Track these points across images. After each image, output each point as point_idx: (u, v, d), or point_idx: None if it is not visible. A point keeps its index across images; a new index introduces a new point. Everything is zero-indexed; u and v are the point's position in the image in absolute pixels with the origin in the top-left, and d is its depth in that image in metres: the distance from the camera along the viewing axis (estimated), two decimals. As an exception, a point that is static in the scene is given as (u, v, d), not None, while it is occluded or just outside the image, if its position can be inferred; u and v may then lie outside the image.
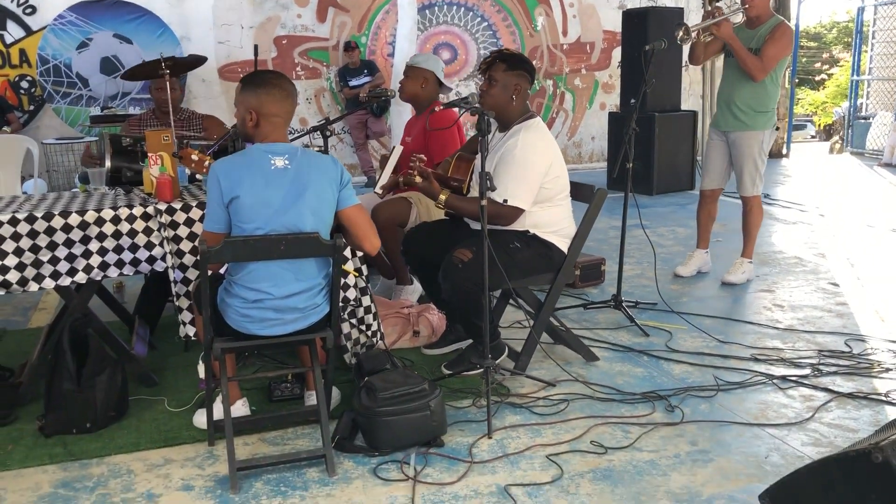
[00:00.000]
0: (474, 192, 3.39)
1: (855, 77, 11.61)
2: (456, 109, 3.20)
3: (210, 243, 2.50)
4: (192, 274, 3.17)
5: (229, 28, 8.84)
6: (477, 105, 2.84)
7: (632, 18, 8.28)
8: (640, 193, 7.25)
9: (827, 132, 14.08)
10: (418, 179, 3.15)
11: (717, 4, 4.99)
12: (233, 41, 8.89)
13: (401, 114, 8.75)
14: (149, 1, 8.35)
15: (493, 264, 2.89)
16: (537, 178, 3.13)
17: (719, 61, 6.09)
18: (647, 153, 7.83)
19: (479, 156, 2.99)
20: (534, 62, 9.91)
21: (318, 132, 4.02)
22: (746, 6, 4.40)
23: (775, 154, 10.93)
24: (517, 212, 3.11)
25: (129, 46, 8.37)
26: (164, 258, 3.13)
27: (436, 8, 9.65)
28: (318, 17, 9.13)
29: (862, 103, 11.58)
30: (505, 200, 3.06)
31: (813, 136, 14.67)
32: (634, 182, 4.46)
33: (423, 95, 4.24)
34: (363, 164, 9.20)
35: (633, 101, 7.85)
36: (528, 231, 3.22)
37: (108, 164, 3.69)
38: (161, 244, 3.12)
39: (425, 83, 4.20)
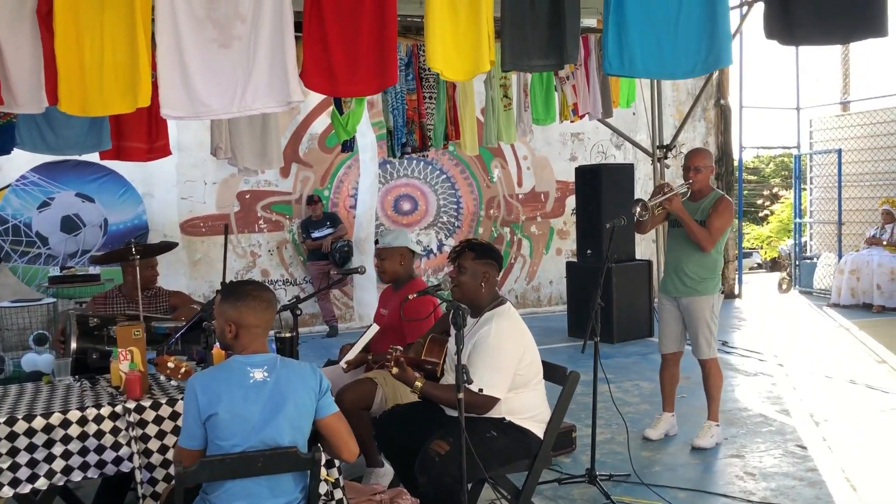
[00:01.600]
0: (449, 377, 3.40)
1: (798, 220, 11.99)
2: (441, 305, 3.36)
3: (185, 462, 2.43)
4: (159, 473, 3.04)
5: (192, 184, 8.94)
6: (449, 298, 2.92)
7: (584, 174, 8.56)
8: (601, 342, 7.24)
9: (773, 264, 14.43)
10: (395, 370, 3.14)
11: (666, 182, 5.01)
12: (196, 197, 8.96)
13: (364, 262, 8.94)
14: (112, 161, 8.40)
15: (471, 455, 2.85)
16: (512, 365, 3.15)
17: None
18: (607, 302, 7.58)
19: (451, 339, 3.06)
20: (490, 211, 10.33)
21: (289, 310, 3.99)
22: (690, 181, 4.56)
23: (728, 295, 11.06)
24: (493, 401, 3.12)
25: (91, 205, 8.35)
26: (130, 458, 3.01)
27: (396, 162, 9.79)
28: (281, 174, 9.27)
29: (806, 243, 11.92)
30: (480, 390, 3.06)
31: (759, 266, 15.01)
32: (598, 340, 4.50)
33: (402, 272, 4.25)
34: (325, 314, 9.12)
35: (589, 251, 8.26)
36: (504, 418, 3.20)
37: (73, 345, 3.62)
38: (128, 444, 3.01)
39: (403, 259, 4.22)
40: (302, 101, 3.47)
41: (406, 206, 9.95)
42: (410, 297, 3.58)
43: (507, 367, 3.15)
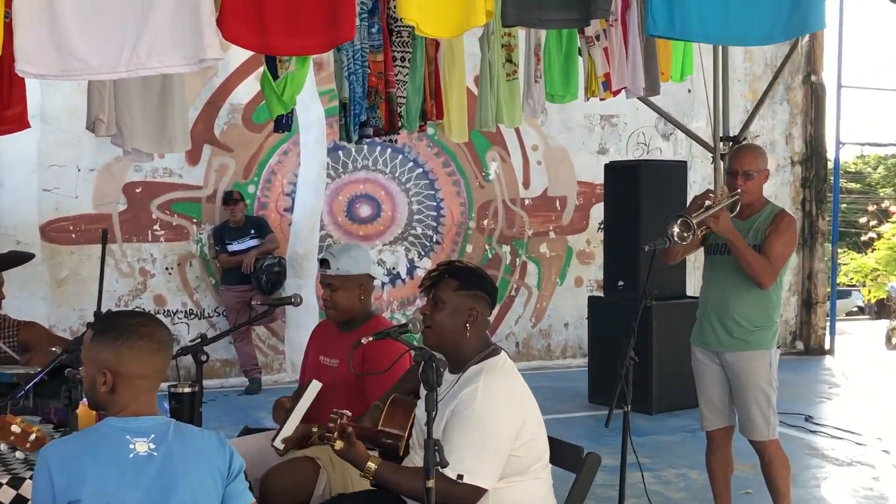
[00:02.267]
0: (415, 456, 3.34)
1: (918, 245, 12.27)
2: (413, 354, 3.10)
3: (31, 570, 2.39)
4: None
5: (60, 170, 8.77)
6: (419, 344, 2.84)
7: (617, 174, 8.54)
8: (636, 412, 6.74)
9: (879, 308, 14.25)
10: (338, 445, 3.11)
11: (710, 189, 5.05)
12: (64, 189, 8.78)
13: (301, 288, 8.71)
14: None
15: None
16: (504, 444, 3.10)
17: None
18: (644, 357, 7.26)
19: (422, 401, 2.98)
20: (484, 222, 10.28)
21: (191, 354, 3.88)
22: (739, 192, 4.59)
23: (815, 350, 11.10)
24: (478, 492, 3.03)
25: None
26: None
27: (352, 149, 9.65)
28: (187, 159, 9.09)
29: (928, 278, 12.22)
30: (460, 476, 2.97)
31: (859, 309, 14.96)
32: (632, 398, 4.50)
33: (360, 309, 4.24)
34: (244, 360, 9.03)
35: (621, 283, 8.19)
36: (493, 518, 3.23)
37: None
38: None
39: (363, 292, 4.22)
40: (220, 60, 3.45)
41: (365, 210, 9.87)
42: (363, 340, 3.41)
43: (499, 445, 3.09)
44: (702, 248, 4.82)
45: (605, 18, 4.69)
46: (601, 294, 9.08)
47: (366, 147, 9.77)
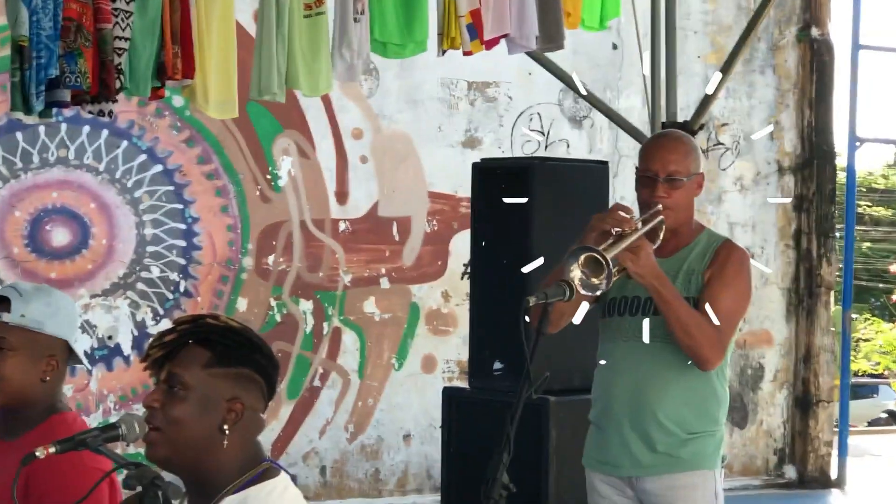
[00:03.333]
0: None
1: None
2: (124, 477, 2.49)
3: None
4: None
5: None
6: (137, 462, 2.29)
7: (494, 180, 6.71)
8: None
9: None
10: None
11: (619, 205, 4.31)
12: None
13: None
14: None
15: None
16: None
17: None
18: (533, 485, 5.94)
19: None
20: (270, 259, 8.45)
21: None
22: (660, 209, 4.06)
23: (815, 479, 9.38)
24: None
25: None
26: None
27: (42, 128, 7.73)
28: None
29: None
30: None
31: (891, 415, 13.50)
32: None
33: (41, 397, 3.38)
34: None
35: (497, 365, 6.73)
36: None
37: None
38: None
39: (52, 370, 3.41)
40: None
41: (61, 236, 8.04)
42: (39, 453, 2.52)
43: None
44: (589, 307, 4.07)
45: None
46: (465, 385, 7.22)
47: (64, 126, 7.90)
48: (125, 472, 2.21)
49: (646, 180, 4.09)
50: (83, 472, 3.03)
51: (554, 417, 6.04)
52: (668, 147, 4.29)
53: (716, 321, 3.98)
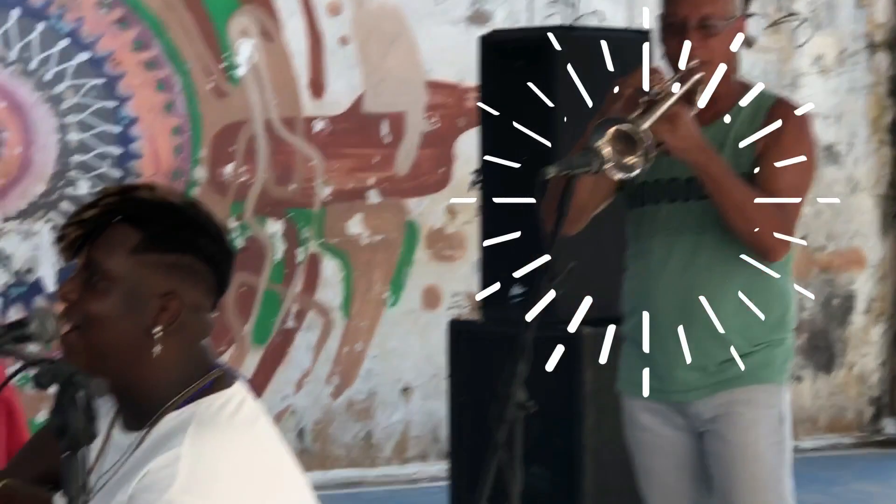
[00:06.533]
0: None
1: None
2: (37, 373, 2.19)
3: None
4: None
5: None
6: (47, 361, 1.97)
7: (506, 57, 6.21)
8: None
9: None
10: None
11: (654, 69, 3.72)
12: None
13: None
14: None
15: None
16: None
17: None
18: (568, 450, 5.72)
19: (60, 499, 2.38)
20: (227, 169, 7.26)
21: None
22: (695, 63, 3.72)
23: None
24: None
25: None
26: None
27: None
28: None
29: None
30: None
31: None
32: None
33: None
34: None
35: (514, 291, 6.16)
36: None
37: None
38: None
39: None
40: None
41: None
42: None
43: None
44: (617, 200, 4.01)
45: None
46: (474, 320, 6.82)
47: None
48: (35, 370, 1.85)
49: (673, 28, 3.64)
50: None
51: (588, 353, 5.36)
52: None
53: (777, 206, 3.66)
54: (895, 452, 8.16)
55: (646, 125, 3.39)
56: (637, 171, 3.41)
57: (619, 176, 3.41)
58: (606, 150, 3.33)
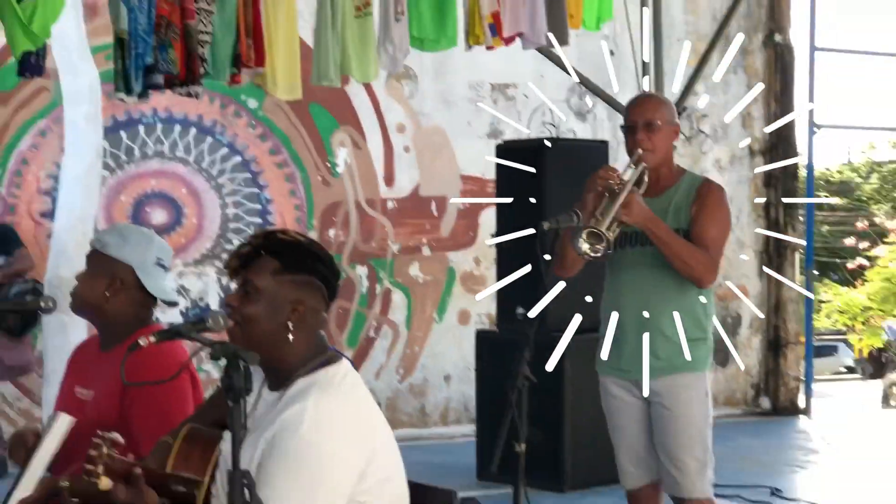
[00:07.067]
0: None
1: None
2: (185, 345, 3.18)
3: None
4: None
5: None
6: (222, 339, 2.49)
7: (513, 157, 7.17)
8: (544, 490, 6.78)
9: (875, 363, 12.80)
10: (104, 484, 2.71)
11: (607, 167, 4.83)
12: None
13: (65, 329, 7.37)
14: None
15: None
16: (343, 487, 2.64)
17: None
18: (553, 413, 6.74)
19: (227, 435, 2.50)
20: (331, 232, 8.76)
21: None
22: (641, 154, 4.43)
23: (786, 409, 9.86)
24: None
25: None
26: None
27: (141, 127, 8.10)
28: None
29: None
30: None
31: (849, 370, 13.16)
32: (536, 471, 4.81)
33: (110, 312, 3.70)
34: (-17, 432, 7.01)
35: (520, 311, 5.94)
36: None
37: None
38: None
39: (113, 289, 3.70)
40: None
41: (159, 216, 8.40)
42: (142, 341, 2.74)
43: (334, 489, 2.62)
44: None
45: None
46: (493, 328, 8.07)
47: (159, 126, 8.41)
48: (213, 352, 2.42)
49: (629, 130, 4.40)
50: (175, 354, 3.43)
51: (572, 354, 6.68)
52: (644, 100, 4.66)
53: (706, 252, 4.32)
54: (768, 420, 10.07)
55: (609, 217, 4.16)
56: (605, 253, 4.18)
57: (594, 257, 4.17)
58: (584, 247, 4.14)
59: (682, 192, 4.38)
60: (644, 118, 4.37)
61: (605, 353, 4.54)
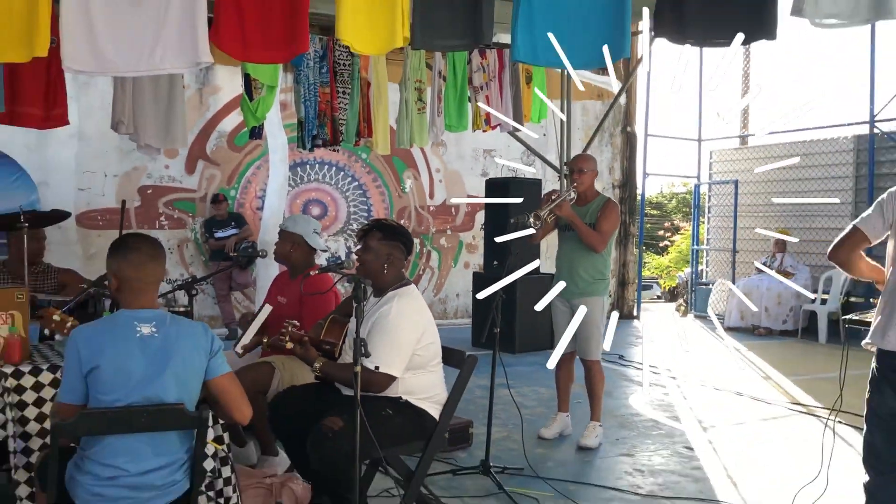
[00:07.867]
0: (346, 357, 3.36)
1: (695, 246, 12.42)
2: (332, 275, 3.36)
3: (63, 416, 2.30)
4: (35, 443, 2.89)
5: (92, 175, 8.56)
6: (352, 272, 2.90)
7: (494, 186, 8.60)
8: (503, 352, 6.99)
9: (672, 294, 14.59)
10: (290, 345, 3.09)
11: (553, 189, 5.25)
12: (94, 189, 8.58)
13: (267, 266, 8.37)
14: (5, 144, 7.76)
15: (365, 433, 2.80)
16: (409, 345, 3.14)
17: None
18: (510, 314, 7.90)
19: (352, 319, 2.99)
20: (401, 221, 9.94)
21: (184, 290, 4.00)
22: (575, 184, 4.67)
23: (627, 316, 11.38)
24: (389, 379, 3.11)
25: (-23, 189, 7.86)
26: (4, 426, 2.89)
27: (307, 166, 9.67)
28: (186, 169, 9.01)
29: (702, 270, 12.28)
30: (377, 367, 3.05)
31: (659, 297, 15.19)
32: (503, 341, 4.61)
33: (293, 259, 4.14)
34: (225, 316, 8.81)
35: (495, 262, 8.10)
36: (400, 398, 3.19)
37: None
38: (3, 410, 2.89)
39: (294, 248, 4.09)
40: (210, 64, 3.31)
41: (315, 210, 9.73)
42: (312, 272, 3.59)
43: (405, 346, 3.12)
44: (556, 230, 4.90)
45: (488, 45, 4.67)
46: (482, 272, 9.06)
47: (317, 166, 9.76)
48: (348, 277, 2.96)
49: (571, 172, 4.83)
50: (324, 283, 3.90)
51: (520, 285, 7.68)
52: (580, 157, 5.00)
53: (600, 235, 4.66)
54: (620, 322, 10.58)
55: (548, 209, 4.55)
56: (540, 225, 4.55)
57: (535, 224, 4.51)
58: (530, 220, 4.58)
59: (595, 204, 4.78)
60: (578, 166, 4.78)
61: (554, 287, 4.95)
